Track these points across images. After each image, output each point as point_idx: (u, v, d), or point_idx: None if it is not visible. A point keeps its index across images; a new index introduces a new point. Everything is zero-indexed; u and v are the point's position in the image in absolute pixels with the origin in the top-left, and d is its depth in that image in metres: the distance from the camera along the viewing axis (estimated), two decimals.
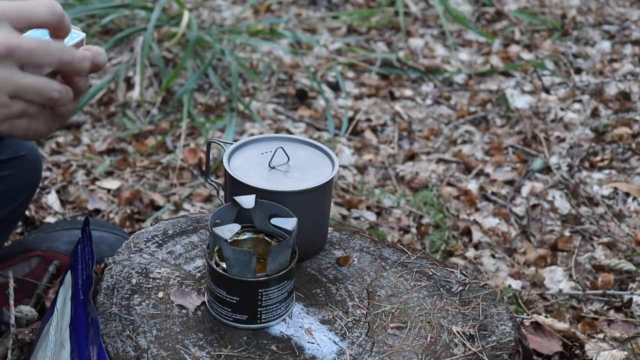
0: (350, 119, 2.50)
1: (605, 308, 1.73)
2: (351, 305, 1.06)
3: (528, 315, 1.65)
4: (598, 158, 2.34)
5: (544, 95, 2.73)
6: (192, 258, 1.13)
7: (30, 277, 1.52)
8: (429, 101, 2.71)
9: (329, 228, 1.20)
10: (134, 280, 1.07)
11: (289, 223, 0.99)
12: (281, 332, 1.00)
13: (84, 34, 0.97)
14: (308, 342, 0.99)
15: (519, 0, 3.54)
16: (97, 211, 1.98)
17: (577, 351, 1.53)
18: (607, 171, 2.29)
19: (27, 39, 0.84)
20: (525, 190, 2.19)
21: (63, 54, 0.87)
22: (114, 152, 2.26)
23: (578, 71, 2.93)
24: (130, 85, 2.52)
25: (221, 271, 0.97)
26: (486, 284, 1.11)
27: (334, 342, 0.99)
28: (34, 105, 0.87)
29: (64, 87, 0.89)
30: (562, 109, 2.64)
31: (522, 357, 1.02)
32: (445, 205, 2.09)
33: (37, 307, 1.50)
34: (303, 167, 1.11)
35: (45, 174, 2.11)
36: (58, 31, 0.89)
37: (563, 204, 2.12)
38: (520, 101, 2.68)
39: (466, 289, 1.10)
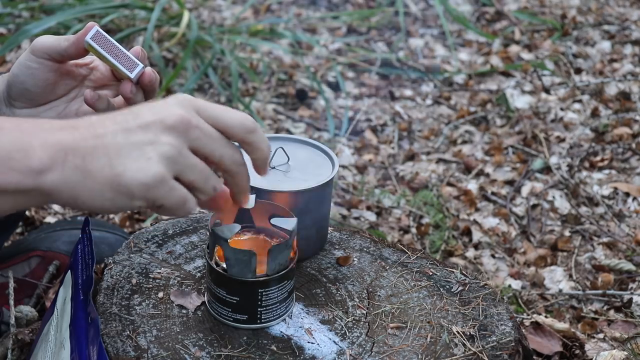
0: (350, 119, 2.50)
1: (605, 308, 1.73)
2: (351, 305, 1.06)
3: (528, 315, 1.65)
4: (598, 158, 2.34)
5: (544, 95, 2.73)
6: (192, 258, 1.13)
7: (30, 277, 1.52)
8: (429, 101, 2.71)
9: (329, 228, 1.20)
10: (134, 280, 1.07)
11: (289, 223, 0.99)
12: (281, 332, 1.00)
13: (141, 65, 0.98)
14: (308, 342, 0.99)
15: (519, 0, 3.54)
16: None
17: (577, 351, 1.53)
18: (607, 171, 2.29)
19: (209, 126, 0.79)
20: (525, 190, 2.19)
21: (239, 153, 0.83)
22: None
23: (578, 71, 2.93)
24: None
25: (221, 271, 0.97)
26: (486, 284, 1.11)
27: (334, 342, 0.99)
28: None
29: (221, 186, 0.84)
30: (562, 109, 2.64)
31: (522, 357, 1.02)
32: (445, 205, 2.09)
33: (37, 307, 1.50)
34: (303, 167, 1.11)
35: None
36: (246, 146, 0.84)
37: (563, 204, 2.12)
38: (520, 101, 2.68)
39: (466, 289, 1.10)
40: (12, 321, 1.28)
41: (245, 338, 0.98)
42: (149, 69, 1.00)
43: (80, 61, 1.08)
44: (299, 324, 1.01)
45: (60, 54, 1.03)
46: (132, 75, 0.98)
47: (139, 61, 1.00)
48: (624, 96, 2.69)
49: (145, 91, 1.02)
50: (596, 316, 1.68)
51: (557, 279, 1.82)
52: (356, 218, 2.03)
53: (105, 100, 1.02)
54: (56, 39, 1.04)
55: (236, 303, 0.98)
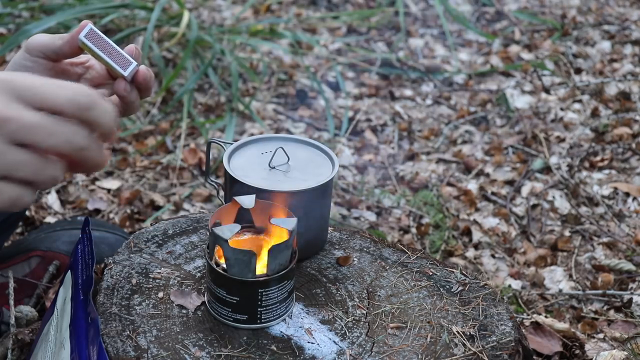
0: (350, 119, 2.50)
1: (605, 308, 1.73)
2: (351, 305, 1.06)
3: (528, 315, 1.65)
4: (598, 158, 2.34)
5: (544, 95, 2.73)
6: (192, 258, 1.13)
7: (30, 277, 1.52)
8: (429, 101, 2.71)
9: (329, 228, 1.20)
10: (134, 280, 1.07)
11: (289, 223, 0.99)
12: (281, 332, 1.00)
13: (135, 64, 0.98)
14: (308, 342, 0.99)
15: (519, 0, 3.54)
16: (97, 211, 1.98)
17: (577, 351, 1.53)
18: (607, 171, 2.29)
19: (29, 113, 0.69)
20: (525, 190, 2.19)
21: (75, 135, 0.71)
22: (114, 152, 2.26)
23: (578, 71, 2.93)
24: None
25: (221, 271, 0.97)
26: (486, 284, 1.11)
27: (334, 342, 0.99)
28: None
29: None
30: (562, 109, 2.64)
31: (522, 357, 1.02)
32: (445, 205, 2.09)
33: (37, 307, 1.50)
34: (303, 167, 1.11)
35: None
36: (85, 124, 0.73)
37: (563, 204, 2.12)
38: (520, 101, 2.68)
39: (466, 289, 1.10)
40: (12, 321, 1.28)
41: (245, 338, 0.98)
42: (143, 67, 1.00)
43: (75, 60, 1.08)
44: (299, 324, 1.01)
45: (55, 52, 1.03)
46: (126, 74, 0.98)
47: (133, 59, 1.00)
48: (624, 96, 2.69)
49: (140, 89, 1.01)
50: (596, 316, 1.68)
51: (557, 279, 1.82)
52: (356, 218, 2.03)
53: None
54: (50, 37, 1.03)
55: (236, 303, 0.98)
